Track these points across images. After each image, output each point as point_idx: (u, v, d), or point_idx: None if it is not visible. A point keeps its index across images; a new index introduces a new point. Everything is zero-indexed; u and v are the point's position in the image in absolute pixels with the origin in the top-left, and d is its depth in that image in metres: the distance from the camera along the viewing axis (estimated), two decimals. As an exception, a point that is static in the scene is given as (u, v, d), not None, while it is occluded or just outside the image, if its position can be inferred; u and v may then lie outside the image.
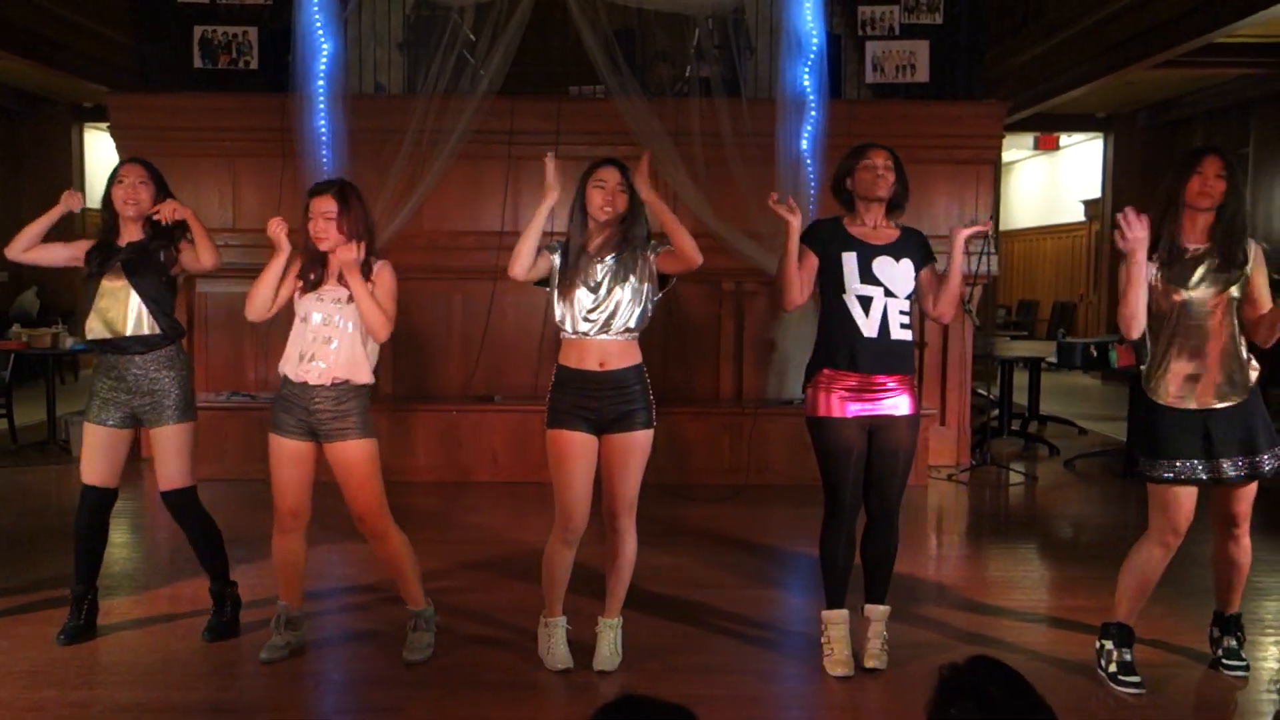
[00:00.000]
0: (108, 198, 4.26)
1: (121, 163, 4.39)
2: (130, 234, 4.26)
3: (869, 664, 4.03)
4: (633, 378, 3.93)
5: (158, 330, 4.20)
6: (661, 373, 7.52)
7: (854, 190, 4.01)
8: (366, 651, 4.26)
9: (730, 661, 4.16)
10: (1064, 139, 15.50)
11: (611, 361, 3.88)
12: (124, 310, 4.16)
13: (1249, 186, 11.20)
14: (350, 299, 4.00)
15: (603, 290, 3.87)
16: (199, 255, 4.24)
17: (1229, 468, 3.78)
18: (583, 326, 3.87)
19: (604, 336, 3.88)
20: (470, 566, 5.37)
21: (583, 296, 3.87)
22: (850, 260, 3.91)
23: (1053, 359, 8.85)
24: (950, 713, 1.70)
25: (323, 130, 7.47)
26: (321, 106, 7.46)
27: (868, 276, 3.90)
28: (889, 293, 3.91)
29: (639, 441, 3.93)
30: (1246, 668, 4.02)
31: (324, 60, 7.46)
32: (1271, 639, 4.47)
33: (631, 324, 3.90)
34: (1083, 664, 4.10)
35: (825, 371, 3.95)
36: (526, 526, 6.29)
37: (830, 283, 3.97)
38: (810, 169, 7.45)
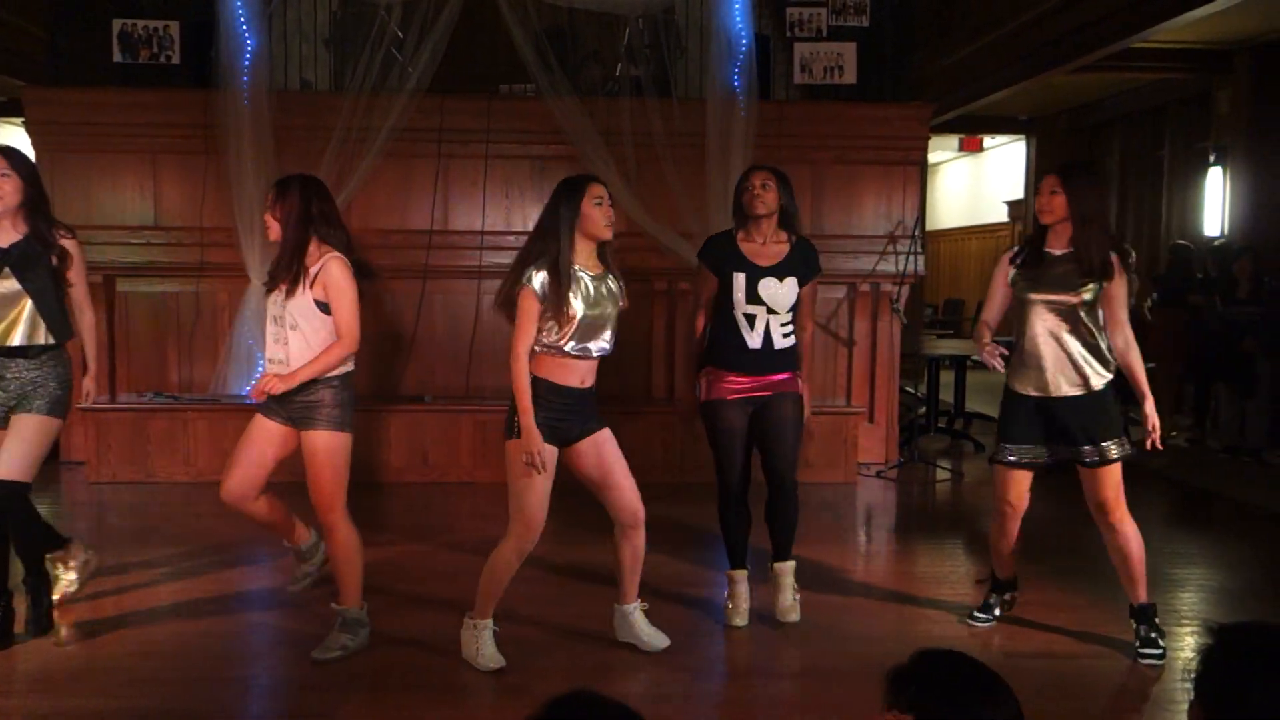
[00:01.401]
0: None
1: None
2: (6, 230, 4.03)
3: (788, 618, 4.45)
4: (595, 390, 4.04)
5: (50, 339, 4.06)
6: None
7: (744, 209, 4.38)
8: (295, 656, 4.19)
9: (662, 659, 4.17)
10: (988, 141, 15.80)
11: (589, 379, 3.97)
12: (17, 317, 3.99)
13: (1165, 188, 11.51)
14: (290, 295, 3.98)
15: (598, 310, 3.89)
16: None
17: (1068, 452, 4.18)
18: (584, 346, 3.88)
19: (592, 357, 3.93)
20: (399, 568, 5.32)
21: (581, 316, 3.84)
22: (740, 281, 4.32)
23: (978, 357, 9.01)
24: (904, 701, 1.72)
25: (247, 127, 7.35)
26: (246, 103, 7.34)
27: (753, 297, 4.32)
28: (771, 310, 4.33)
29: (611, 436, 4.05)
30: (1160, 656, 4.15)
31: (248, 56, 7.35)
32: (1187, 629, 4.59)
33: (613, 345, 4.00)
34: (1008, 654, 4.18)
35: (714, 369, 4.40)
36: (457, 528, 6.26)
37: (723, 297, 4.38)
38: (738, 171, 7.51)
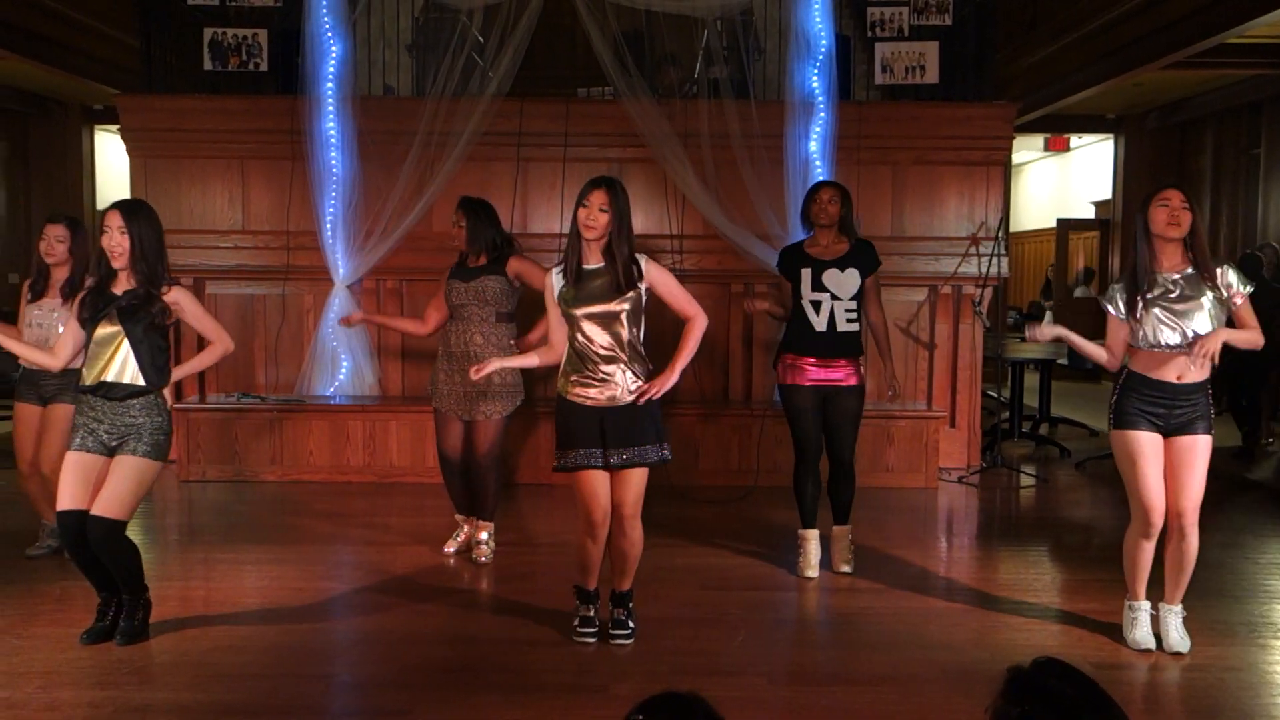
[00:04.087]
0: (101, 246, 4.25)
1: (106, 209, 4.31)
2: (123, 280, 4.25)
3: (841, 569, 5.27)
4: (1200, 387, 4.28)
5: (141, 381, 4.20)
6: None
7: (811, 218, 5.25)
8: (375, 654, 4.27)
9: (739, 663, 4.15)
10: (1074, 140, 15.45)
11: (1187, 374, 4.23)
12: (111, 357, 4.17)
13: (1261, 188, 11.16)
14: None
15: (1180, 306, 4.20)
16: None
17: (614, 458, 4.12)
18: (1160, 341, 4.18)
19: (1177, 351, 4.18)
20: (476, 568, 5.37)
21: (1154, 314, 4.20)
22: (806, 274, 5.17)
23: (1064, 360, 8.83)
24: (1014, 712, 1.68)
25: (332, 132, 7.50)
26: (330, 108, 7.49)
27: (818, 286, 5.14)
28: (834, 296, 5.13)
29: (1197, 444, 4.25)
30: (629, 636, 4.27)
31: (333, 62, 7.50)
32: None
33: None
34: (1097, 664, 4.08)
35: (789, 356, 5.19)
36: (533, 529, 6.30)
37: (794, 291, 5.21)
38: (819, 171, 7.45)
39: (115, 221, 4.20)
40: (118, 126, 8.14)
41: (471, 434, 5.38)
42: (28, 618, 4.53)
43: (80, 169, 12.59)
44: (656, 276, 4.20)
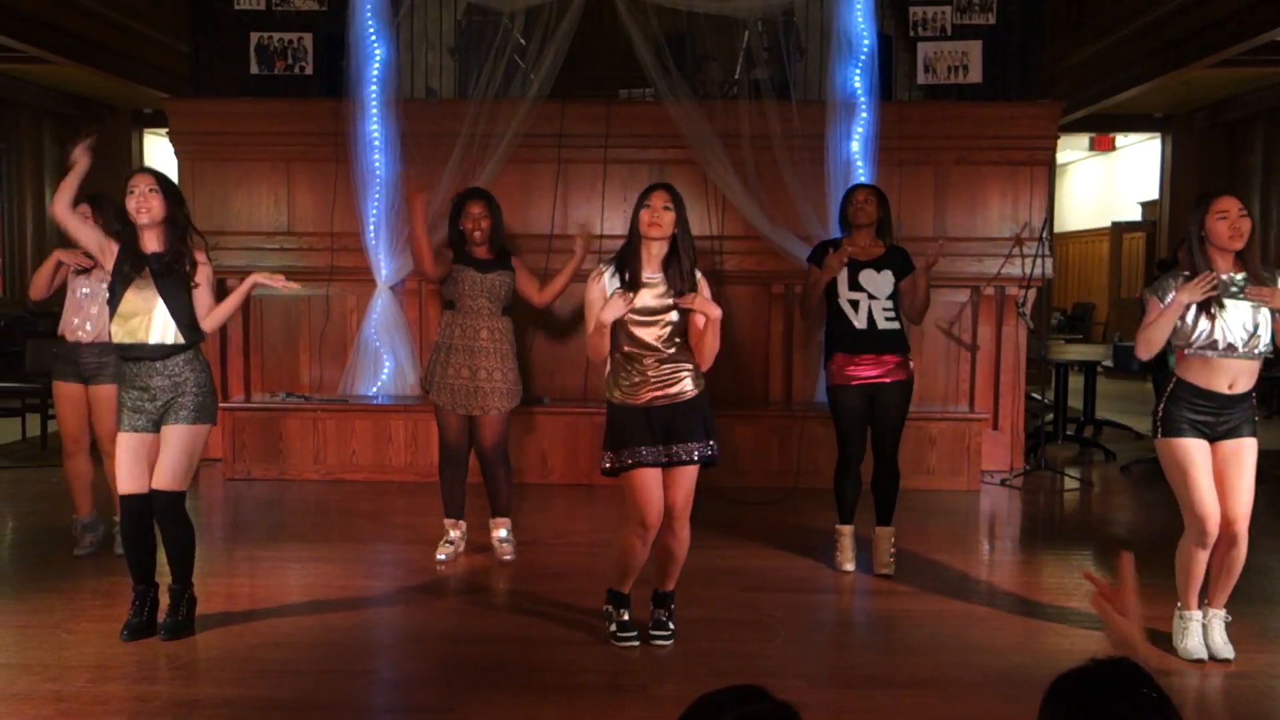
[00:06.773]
0: (123, 209, 4.30)
1: (131, 173, 4.41)
2: (151, 241, 4.31)
3: (881, 571, 5.23)
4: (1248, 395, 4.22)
5: (181, 339, 4.28)
6: (711, 376, 7.50)
7: (849, 219, 5.28)
8: (417, 651, 4.30)
9: (778, 665, 4.14)
10: (1120, 139, 15.28)
11: (1239, 384, 4.16)
12: (149, 318, 4.24)
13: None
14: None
15: (1231, 311, 4.09)
16: (210, 315, 4.40)
17: (665, 455, 4.14)
18: (1217, 347, 4.08)
19: (1235, 358, 4.11)
20: (517, 568, 5.39)
21: (1216, 318, 4.07)
22: (843, 274, 5.18)
23: (1109, 362, 8.72)
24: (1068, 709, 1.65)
25: (375, 134, 7.57)
26: (374, 111, 7.56)
27: (855, 285, 5.18)
28: (871, 296, 5.17)
29: (1243, 446, 4.21)
30: (670, 637, 4.27)
31: (377, 65, 7.57)
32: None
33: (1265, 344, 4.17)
34: (1159, 672, 4.02)
35: (837, 356, 5.20)
36: (574, 530, 6.33)
37: (829, 293, 5.22)
38: (861, 171, 7.41)
39: (146, 183, 4.30)
40: (166, 130, 8.26)
41: (477, 429, 5.36)
42: (76, 613, 4.61)
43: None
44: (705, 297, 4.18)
